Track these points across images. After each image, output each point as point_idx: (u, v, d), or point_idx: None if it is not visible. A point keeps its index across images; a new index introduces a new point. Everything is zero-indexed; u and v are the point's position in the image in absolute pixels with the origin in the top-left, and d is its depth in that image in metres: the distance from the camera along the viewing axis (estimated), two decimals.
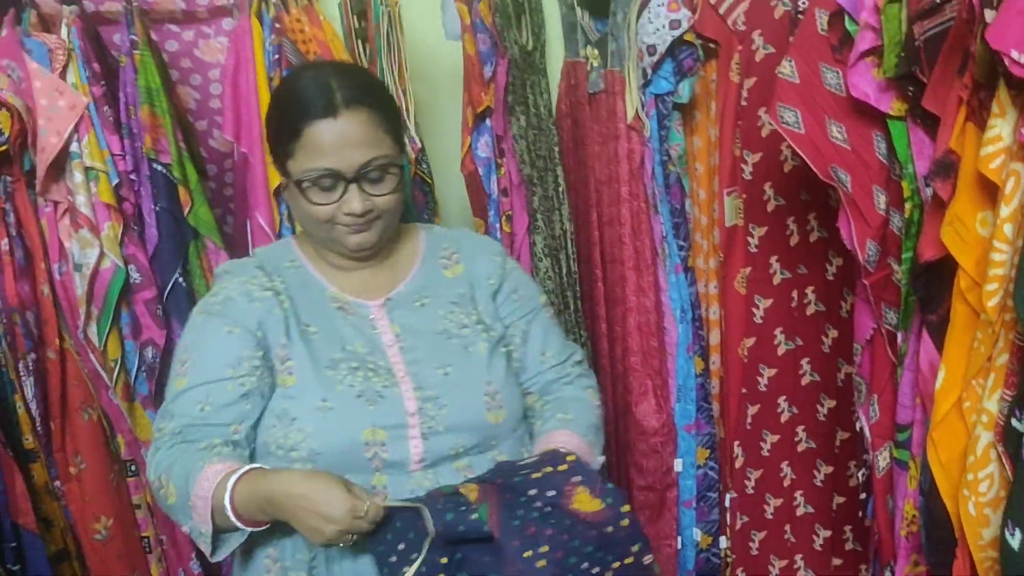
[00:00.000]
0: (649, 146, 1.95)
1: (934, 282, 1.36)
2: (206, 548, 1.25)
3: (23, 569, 1.81)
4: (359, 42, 2.07)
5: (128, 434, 1.89)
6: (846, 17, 1.41)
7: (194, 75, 2.27)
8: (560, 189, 2.07)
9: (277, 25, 1.84)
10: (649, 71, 1.91)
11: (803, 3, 1.64)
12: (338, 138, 1.28)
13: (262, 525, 1.24)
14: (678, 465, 2.08)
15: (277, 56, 1.82)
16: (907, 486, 1.52)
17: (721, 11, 1.97)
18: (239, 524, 1.21)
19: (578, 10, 2.12)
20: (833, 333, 2.04)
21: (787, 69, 1.52)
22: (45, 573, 1.84)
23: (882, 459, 1.59)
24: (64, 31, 1.79)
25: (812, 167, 1.50)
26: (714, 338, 2.14)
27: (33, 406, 1.83)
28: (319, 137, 1.28)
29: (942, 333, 1.32)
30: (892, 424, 1.55)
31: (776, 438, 2.14)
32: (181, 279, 1.85)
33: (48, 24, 1.89)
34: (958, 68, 1.21)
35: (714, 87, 2.05)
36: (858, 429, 1.64)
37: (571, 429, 1.39)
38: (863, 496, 1.76)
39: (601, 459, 1.43)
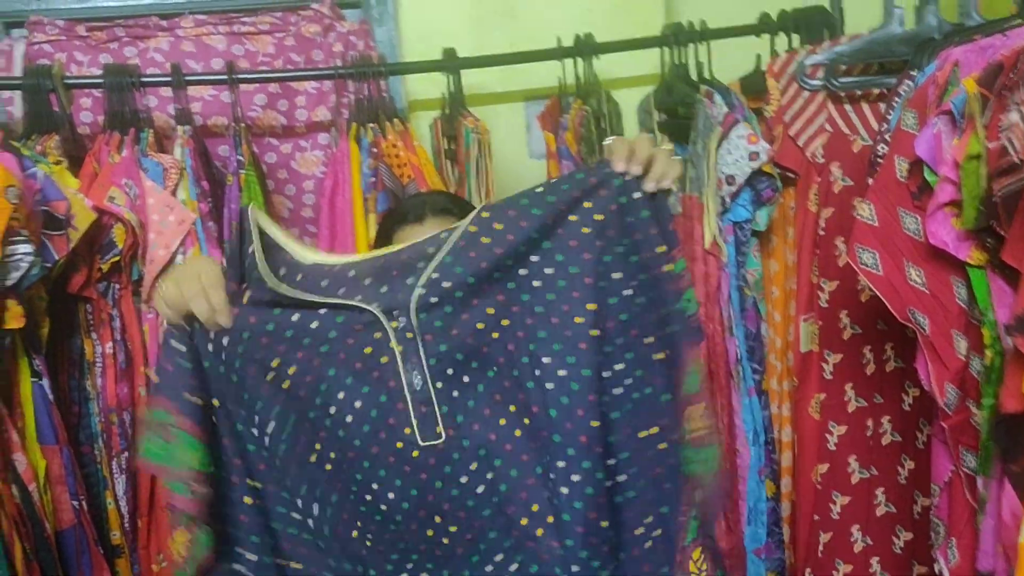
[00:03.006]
0: (726, 271, 1.99)
1: (1016, 431, 1.36)
2: None
3: None
4: (448, 163, 2.18)
5: None
6: (925, 168, 1.45)
7: (289, 185, 2.40)
8: None
9: (374, 149, 1.95)
10: (728, 199, 1.96)
11: (882, 148, 1.69)
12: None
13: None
14: None
15: (373, 179, 1.92)
16: None
17: (800, 143, 2.03)
18: None
19: (659, 136, 2.20)
20: (909, 464, 2.02)
21: (866, 212, 1.55)
22: None
23: None
24: (178, 151, 1.92)
25: (890, 308, 1.52)
26: (786, 460, 2.14)
27: (123, 503, 1.91)
28: (407, 239, 1.37)
29: None
30: (972, 570, 1.52)
31: (849, 568, 2.09)
32: None
33: (160, 137, 2.04)
34: None
35: (792, 213, 2.09)
36: (937, 572, 1.62)
37: None
38: None
39: None
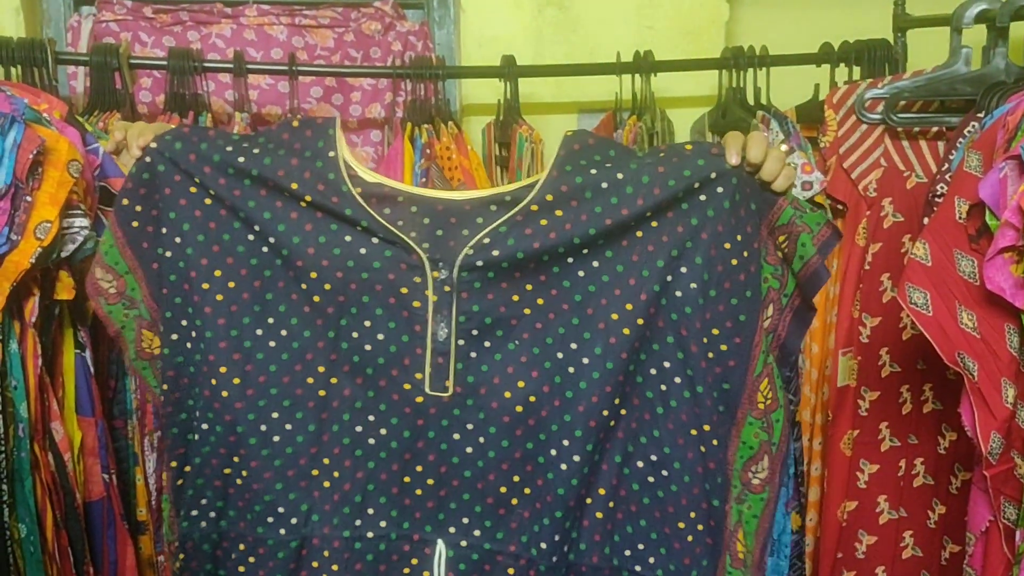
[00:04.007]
0: None
1: None
2: None
3: None
4: (499, 168, 2.18)
5: None
6: (987, 211, 1.43)
7: None
8: None
9: (428, 151, 1.95)
10: None
11: (941, 188, 1.67)
12: None
13: None
14: None
15: (424, 179, 1.93)
16: None
17: (853, 176, 2.01)
18: None
19: None
20: (940, 509, 1.99)
21: (920, 251, 1.54)
22: None
23: None
24: None
25: (938, 351, 1.50)
26: (813, 495, 2.12)
27: (151, 481, 1.92)
28: None
29: None
30: None
31: None
32: None
33: (216, 122, 2.06)
34: None
35: (838, 246, 2.08)
36: None
37: None
38: None
39: None
